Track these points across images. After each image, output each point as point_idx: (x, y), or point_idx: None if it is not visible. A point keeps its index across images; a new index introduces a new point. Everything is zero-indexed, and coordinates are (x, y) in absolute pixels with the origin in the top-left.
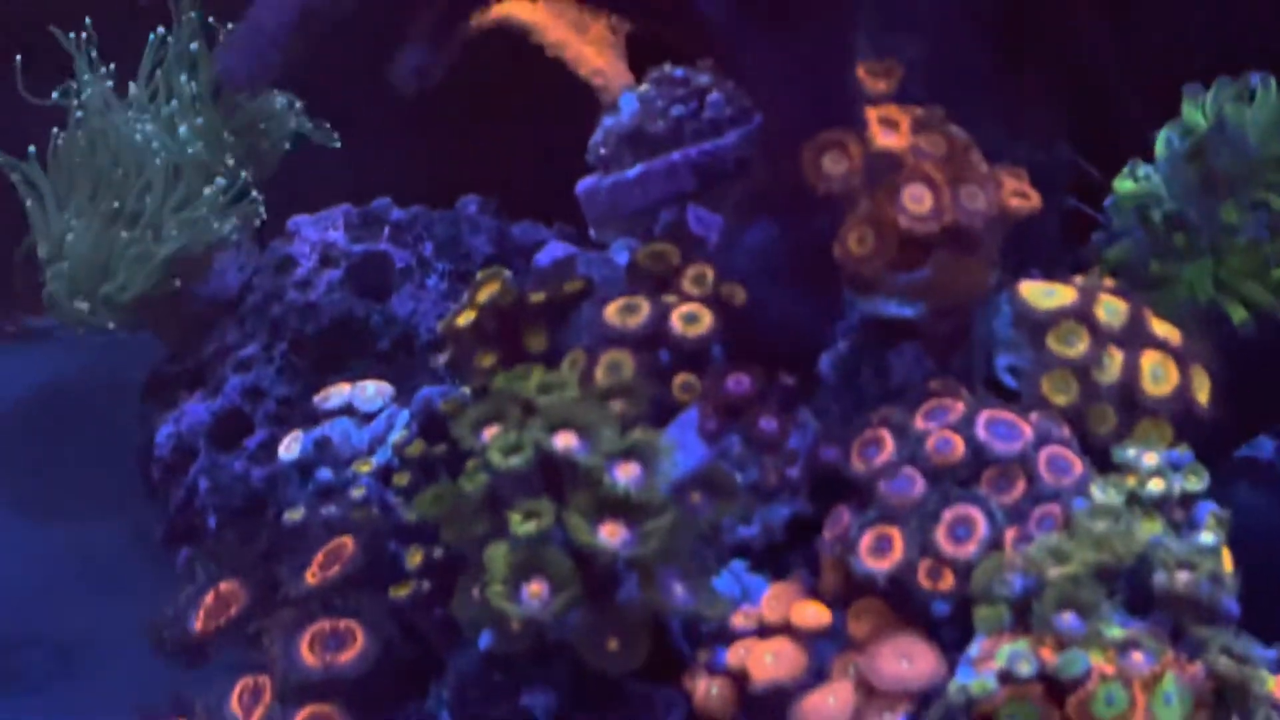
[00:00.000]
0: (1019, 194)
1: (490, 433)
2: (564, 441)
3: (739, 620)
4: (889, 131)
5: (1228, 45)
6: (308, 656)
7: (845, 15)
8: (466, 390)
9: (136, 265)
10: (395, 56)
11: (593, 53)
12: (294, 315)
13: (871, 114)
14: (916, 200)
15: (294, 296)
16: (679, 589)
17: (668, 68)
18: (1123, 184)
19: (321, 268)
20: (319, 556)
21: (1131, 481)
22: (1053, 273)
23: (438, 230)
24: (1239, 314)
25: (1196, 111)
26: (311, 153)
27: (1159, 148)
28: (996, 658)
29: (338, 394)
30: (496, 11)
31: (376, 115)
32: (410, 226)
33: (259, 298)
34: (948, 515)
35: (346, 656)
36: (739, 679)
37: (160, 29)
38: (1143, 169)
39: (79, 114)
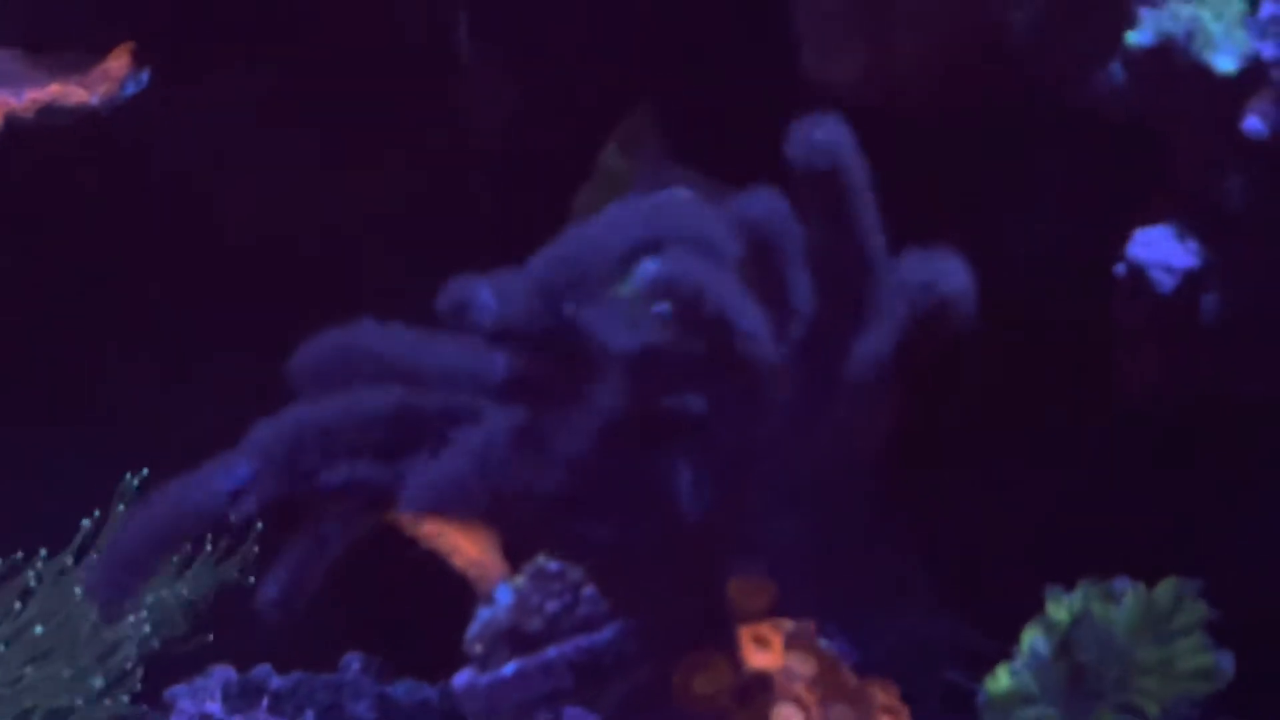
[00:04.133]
0: (889, 710)
1: None
2: None
3: None
4: (761, 650)
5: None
6: None
7: (725, 527)
8: None
9: None
10: (261, 582)
11: (467, 543)
12: None
13: (744, 631)
14: None
15: None
16: None
17: (543, 560)
18: (994, 683)
19: None
20: None
21: None
22: None
23: (319, 697)
24: None
25: (1061, 608)
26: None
27: (1025, 644)
28: None
29: None
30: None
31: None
32: (291, 695)
33: None
34: None
35: None
36: None
37: None
38: (1014, 665)
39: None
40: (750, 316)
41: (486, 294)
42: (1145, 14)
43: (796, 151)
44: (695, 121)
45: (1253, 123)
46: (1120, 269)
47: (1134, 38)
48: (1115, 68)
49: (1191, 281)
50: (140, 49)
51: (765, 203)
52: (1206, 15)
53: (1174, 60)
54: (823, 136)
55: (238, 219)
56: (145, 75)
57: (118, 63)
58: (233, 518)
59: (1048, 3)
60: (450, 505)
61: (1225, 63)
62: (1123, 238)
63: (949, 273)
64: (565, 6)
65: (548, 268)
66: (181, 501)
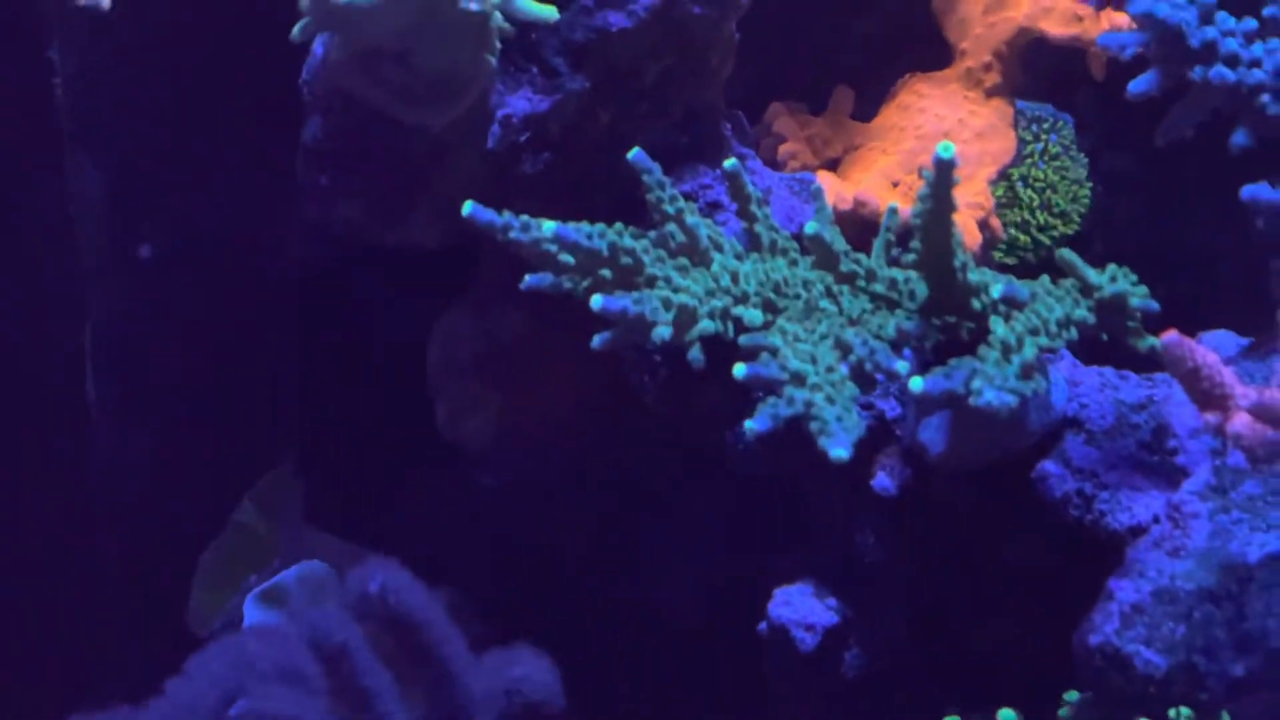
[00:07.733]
0: None
1: None
2: None
3: None
4: None
5: None
6: None
7: None
8: None
9: None
10: None
11: None
12: None
13: None
14: None
15: None
16: None
17: None
18: None
19: None
20: None
21: None
22: None
23: None
24: None
25: None
26: None
27: None
28: None
29: None
30: None
31: None
32: None
33: None
34: None
35: None
36: None
37: None
38: None
39: None
40: None
41: None
42: (768, 398)
43: (354, 600)
44: (335, 480)
45: (881, 480)
46: (763, 628)
47: (751, 424)
48: (746, 431)
49: (832, 638)
50: None
51: (336, 623)
52: (820, 399)
53: (797, 433)
54: (380, 581)
55: None
56: None
57: None
58: None
59: (673, 372)
60: None
61: (839, 450)
62: (764, 590)
63: (534, 673)
64: (202, 361)
65: None
66: None
